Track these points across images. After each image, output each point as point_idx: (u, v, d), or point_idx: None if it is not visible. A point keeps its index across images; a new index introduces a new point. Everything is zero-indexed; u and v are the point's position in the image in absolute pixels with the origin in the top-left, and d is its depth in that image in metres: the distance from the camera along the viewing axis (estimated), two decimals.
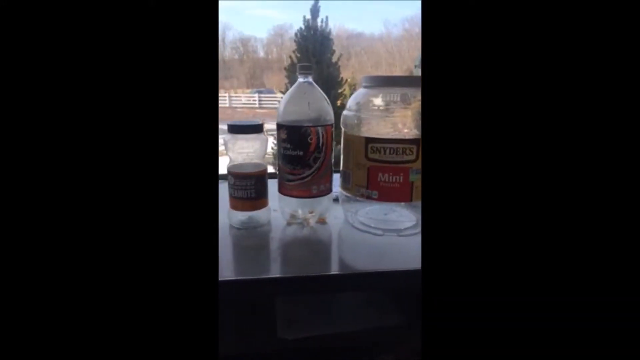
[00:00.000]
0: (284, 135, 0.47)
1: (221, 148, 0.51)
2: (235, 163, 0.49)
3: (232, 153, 0.49)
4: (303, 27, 1.95)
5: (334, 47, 2.65)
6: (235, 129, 0.47)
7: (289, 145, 0.46)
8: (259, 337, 0.46)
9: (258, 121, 0.49)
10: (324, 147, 0.47)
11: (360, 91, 0.49)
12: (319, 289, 0.43)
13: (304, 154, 0.46)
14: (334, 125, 0.48)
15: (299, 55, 1.94)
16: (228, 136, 0.48)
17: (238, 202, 0.48)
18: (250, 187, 0.47)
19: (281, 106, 0.48)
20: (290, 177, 0.48)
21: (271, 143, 1.24)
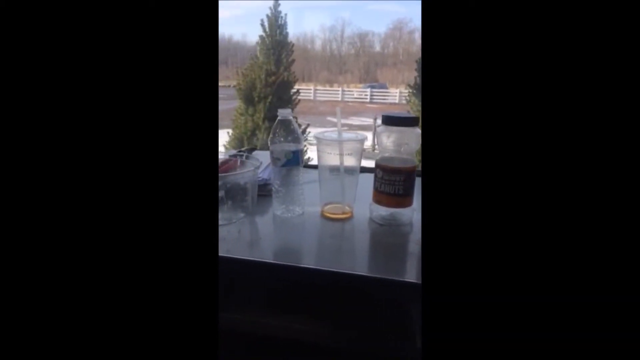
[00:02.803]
0: None
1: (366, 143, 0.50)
2: (385, 156, 0.47)
3: (383, 146, 0.47)
4: None
5: None
6: (390, 120, 0.45)
7: None
8: (395, 341, 0.44)
9: (412, 114, 0.46)
10: None
11: None
12: None
13: None
14: None
15: None
16: (381, 127, 0.46)
17: (383, 197, 0.46)
18: (399, 182, 0.45)
19: None
20: None
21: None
